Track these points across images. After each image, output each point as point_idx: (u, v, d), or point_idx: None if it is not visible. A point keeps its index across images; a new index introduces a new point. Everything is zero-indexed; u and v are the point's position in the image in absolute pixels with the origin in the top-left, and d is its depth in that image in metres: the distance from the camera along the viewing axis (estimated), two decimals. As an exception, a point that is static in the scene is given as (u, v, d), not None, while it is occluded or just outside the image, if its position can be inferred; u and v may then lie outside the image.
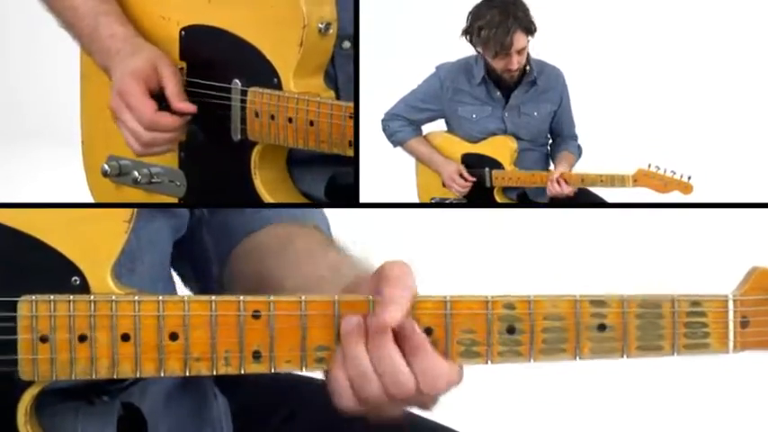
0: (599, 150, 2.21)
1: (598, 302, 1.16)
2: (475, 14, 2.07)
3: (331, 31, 1.47)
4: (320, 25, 1.46)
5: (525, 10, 2.05)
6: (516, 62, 2.08)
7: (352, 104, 1.42)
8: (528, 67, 2.12)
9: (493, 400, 2.96)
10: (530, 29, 2.06)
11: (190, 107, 1.52)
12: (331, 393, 1.15)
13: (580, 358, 1.16)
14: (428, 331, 1.15)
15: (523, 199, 2.21)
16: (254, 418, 1.46)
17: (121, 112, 1.50)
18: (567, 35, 2.29)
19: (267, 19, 1.48)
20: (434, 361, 1.13)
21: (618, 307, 1.16)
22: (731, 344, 1.18)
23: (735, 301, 1.18)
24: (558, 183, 2.07)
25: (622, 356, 1.16)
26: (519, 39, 2.05)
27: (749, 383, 3.01)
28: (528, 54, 2.10)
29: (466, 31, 2.10)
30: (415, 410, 1.19)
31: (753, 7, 2.44)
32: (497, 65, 2.11)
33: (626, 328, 1.17)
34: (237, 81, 1.51)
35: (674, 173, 1.98)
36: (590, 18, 2.48)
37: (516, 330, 1.15)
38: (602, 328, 1.16)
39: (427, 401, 1.15)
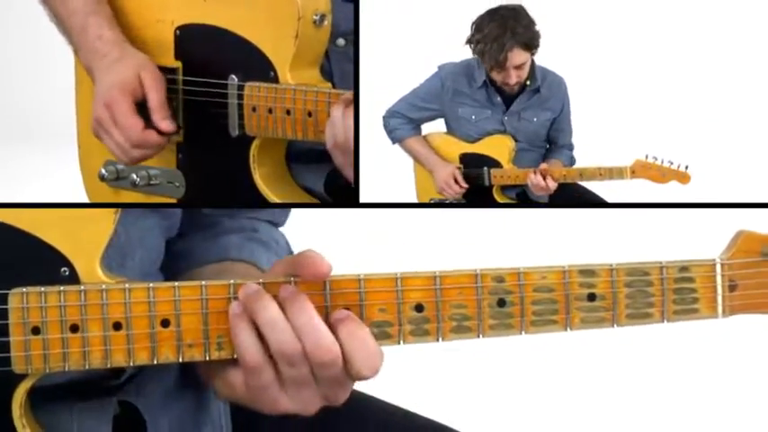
0: (597, 143, 2.20)
1: (587, 272, 1.16)
2: (477, 26, 2.05)
3: (326, 23, 1.47)
4: (315, 17, 1.46)
5: (527, 24, 2.01)
6: (515, 76, 2.05)
7: (349, 93, 1.41)
8: (528, 81, 2.09)
9: (491, 399, 2.96)
10: (530, 44, 2.02)
11: (170, 126, 1.51)
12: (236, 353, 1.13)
13: (570, 329, 1.16)
14: None
15: (523, 198, 2.20)
16: (254, 415, 1.45)
17: (108, 126, 1.51)
18: (563, 31, 2.28)
19: (262, 14, 1.48)
20: (368, 336, 1.11)
21: (607, 276, 1.17)
22: (720, 308, 1.18)
23: (722, 264, 1.19)
24: (543, 177, 2.05)
25: (612, 326, 1.17)
26: (516, 55, 2.02)
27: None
28: (533, 62, 2.07)
29: (468, 41, 2.09)
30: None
31: (749, 3, 2.44)
32: (495, 77, 2.08)
33: (615, 297, 1.17)
34: (234, 77, 1.51)
35: (672, 163, 1.98)
36: (588, 12, 2.48)
37: (506, 303, 1.15)
38: (591, 297, 1.17)
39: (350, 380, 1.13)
